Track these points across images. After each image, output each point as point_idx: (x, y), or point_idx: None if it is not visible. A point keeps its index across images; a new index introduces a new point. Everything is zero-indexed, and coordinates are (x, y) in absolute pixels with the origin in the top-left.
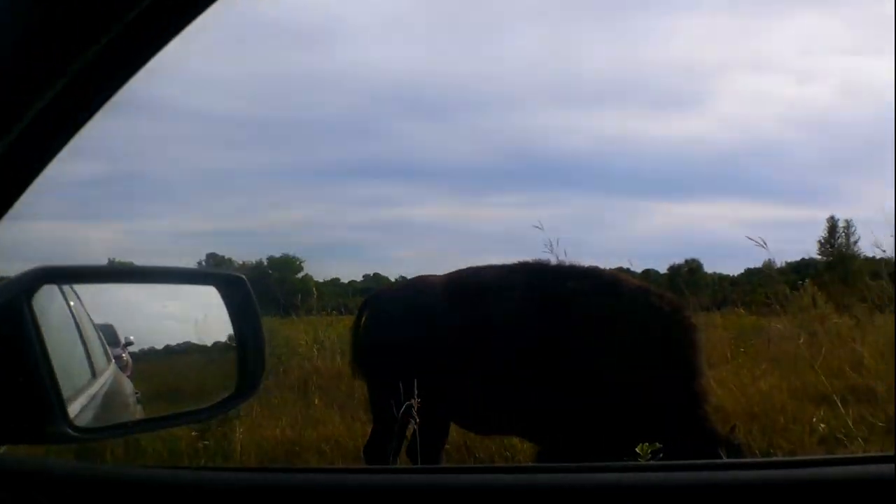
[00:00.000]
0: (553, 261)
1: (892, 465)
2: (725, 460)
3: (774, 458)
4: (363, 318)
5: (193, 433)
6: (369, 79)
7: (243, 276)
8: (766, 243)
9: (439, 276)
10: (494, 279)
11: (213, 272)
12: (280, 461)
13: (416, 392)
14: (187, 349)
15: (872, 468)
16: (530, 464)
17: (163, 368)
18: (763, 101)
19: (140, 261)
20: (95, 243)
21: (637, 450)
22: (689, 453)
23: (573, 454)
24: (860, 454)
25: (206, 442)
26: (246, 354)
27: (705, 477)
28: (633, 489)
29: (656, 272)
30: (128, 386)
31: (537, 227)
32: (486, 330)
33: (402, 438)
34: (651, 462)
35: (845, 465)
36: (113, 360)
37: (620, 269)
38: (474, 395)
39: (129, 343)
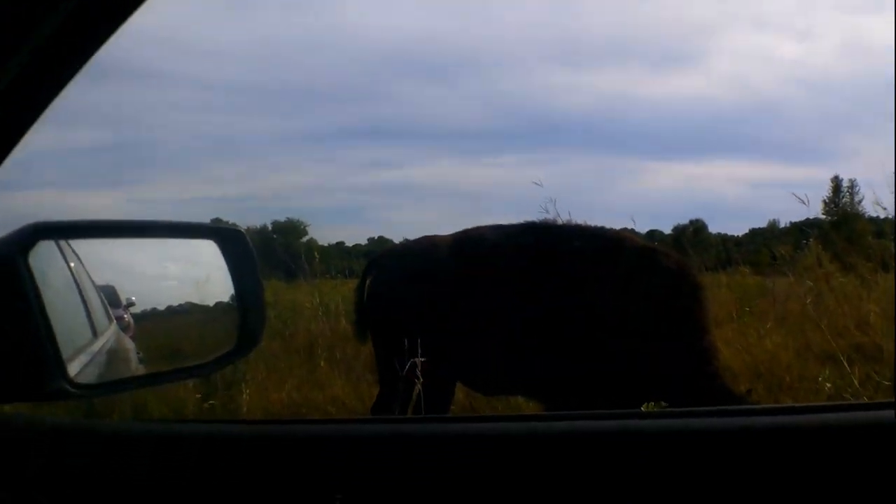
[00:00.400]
0: (558, 221)
1: (893, 411)
2: (729, 407)
3: (778, 405)
4: (368, 280)
5: (198, 395)
6: (369, 41)
7: (242, 230)
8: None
9: (444, 236)
10: (499, 239)
11: (212, 226)
12: None
13: (419, 352)
14: (189, 309)
15: (873, 414)
16: (534, 413)
17: (165, 328)
18: (765, 60)
19: None
20: (97, 211)
21: (642, 408)
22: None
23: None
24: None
25: (211, 402)
26: (246, 309)
27: (708, 423)
28: (639, 435)
29: (661, 232)
30: (129, 346)
31: (536, 183)
32: (490, 290)
33: (409, 399)
34: (655, 410)
35: (848, 411)
36: (114, 320)
37: (625, 230)
38: (479, 356)
39: (131, 304)
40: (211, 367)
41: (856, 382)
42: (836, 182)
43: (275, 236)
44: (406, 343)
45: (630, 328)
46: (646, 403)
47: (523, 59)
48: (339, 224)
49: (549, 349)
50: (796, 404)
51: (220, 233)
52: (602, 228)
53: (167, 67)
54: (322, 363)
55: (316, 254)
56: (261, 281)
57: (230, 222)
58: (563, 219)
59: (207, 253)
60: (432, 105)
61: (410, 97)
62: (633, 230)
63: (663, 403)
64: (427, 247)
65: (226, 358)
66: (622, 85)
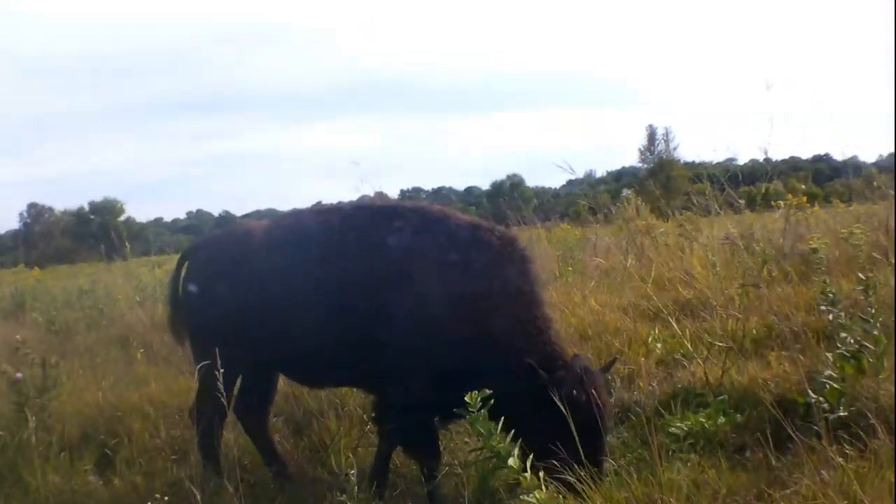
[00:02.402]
0: (377, 199)
1: None
2: None
3: None
4: (181, 273)
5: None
6: (187, 8)
7: None
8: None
9: (260, 223)
10: (318, 224)
11: None
12: (102, 429)
13: (236, 351)
14: None
15: None
16: None
17: None
18: None
19: None
20: None
21: (466, 399)
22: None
23: (410, 402)
24: None
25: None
26: None
27: None
28: None
29: (478, 188)
30: None
31: (354, 162)
32: (309, 278)
33: (230, 396)
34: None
35: None
36: None
37: (442, 187)
38: (301, 349)
39: None
40: None
41: (687, 344)
42: (651, 129)
43: (92, 217)
44: (223, 339)
45: (458, 309)
46: (469, 394)
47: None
48: (158, 199)
49: (374, 338)
50: None
51: None
52: (423, 206)
53: None
54: (139, 356)
55: (126, 239)
56: None
57: (47, 205)
58: (381, 188)
59: None
60: (253, 73)
61: (231, 65)
62: (451, 187)
63: (486, 391)
64: (243, 236)
65: None
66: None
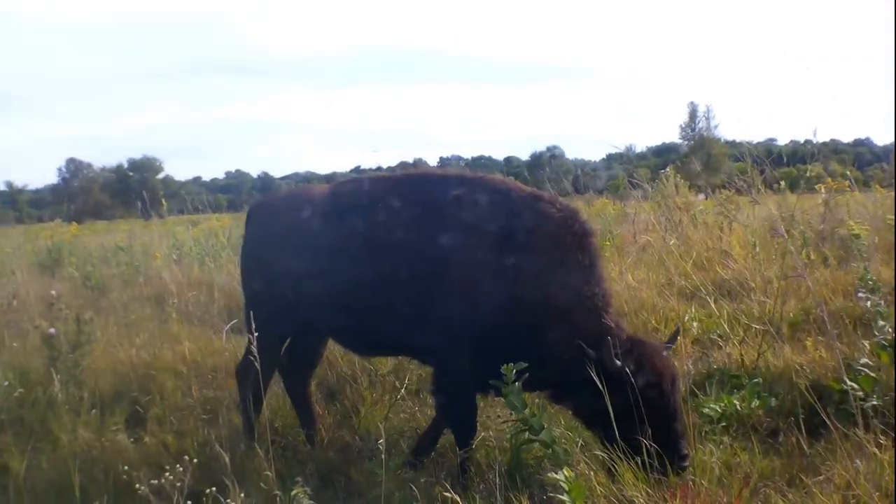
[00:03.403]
0: (437, 169)
1: None
2: None
3: None
4: (247, 229)
5: (43, 358)
6: None
7: None
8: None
9: (321, 187)
10: (378, 191)
11: None
12: (135, 387)
13: (290, 313)
14: None
15: None
16: None
17: None
18: None
19: None
20: None
21: (503, 370)
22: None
23: (459, 375)
24: None
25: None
26: None
27: None
28: None
29: (517, 159)
30: None
31: (375, 151)
32: (368, 245)
33: (278, 357)
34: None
35: None
36: None
37: (482, 156)
38: (356, 315)
39: None
40: None
41: (724, 324)
42: (692, 107)
43: (131, 174)
44: (278, 298)
45: (520, 280)
46: (505, 366)
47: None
48: (197, 159)
49: (433, 307)
50: None
51: None
52: (483, 177)
53: (12, 12)
54: (173, 314)
55: (162, 198)
56: None
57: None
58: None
59: None
60: (284, 40)
61: (262, 32)
62: (490, 157)
63: (523, 364)
64: (306, 197)
65: None
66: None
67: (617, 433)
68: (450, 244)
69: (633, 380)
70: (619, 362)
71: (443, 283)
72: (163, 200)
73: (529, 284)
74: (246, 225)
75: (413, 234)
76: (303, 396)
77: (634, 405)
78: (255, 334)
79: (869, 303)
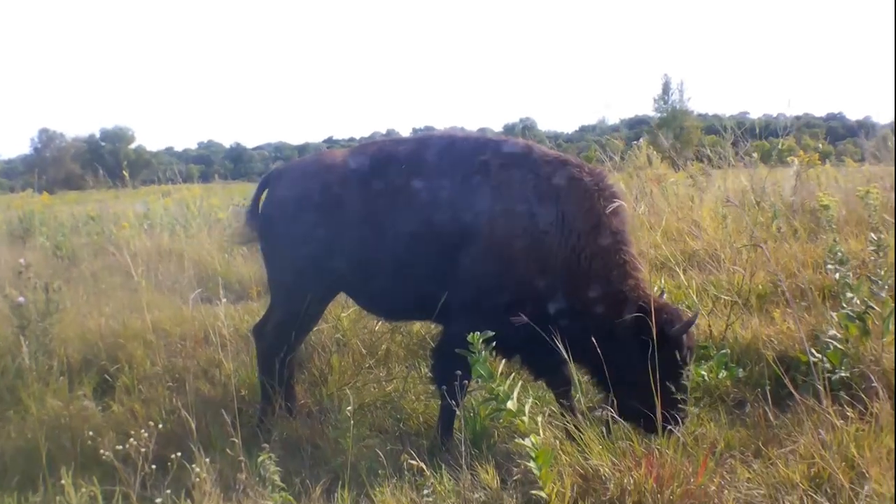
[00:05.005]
0: (459, 132)
1: None
2: None
3: None
4: (264, 194)
5: (13, 327)
6: None
7: None
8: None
9: (341, 151)
10: (403, 154)
11: None
12: (103, 355)
13: (312, 277)
14: None
15: None
16: None
17: None
18: None
19: None
20: None
21: (469, 339)
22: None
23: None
24: None
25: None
26: None
27: None
28: None
29: (490, 130)
30: None
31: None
32: (392, 209)
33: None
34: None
35: None
36: None
37: (453, 127)
38: (382, 279)
39: None
40: None
41: (693, 295)
42: (666, 80)
43: (103, 144)
44: (301, 263)
45: (546, 246)
46: (472, 334)
47: None
48: (171, 129)
49: (454, 272)
50: None
51: None
52: (507, 139)
53: None
54: (143, 283)
55: (136, 166)
56: None
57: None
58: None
59: None
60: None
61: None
62: (462, 128)
63: (488, 332)
64: (328, 162)
65: None
66: None
67: (637, 396)
68: (480, 208)
69: (665, 345)
70: (658, 327)
71: (471, 248)
72: (125, 173)
73: (562, 249)
74: (269, 190)
75: (439, 196)
76: (292, 362)
77: (661, 369)
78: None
79: (837, 275)
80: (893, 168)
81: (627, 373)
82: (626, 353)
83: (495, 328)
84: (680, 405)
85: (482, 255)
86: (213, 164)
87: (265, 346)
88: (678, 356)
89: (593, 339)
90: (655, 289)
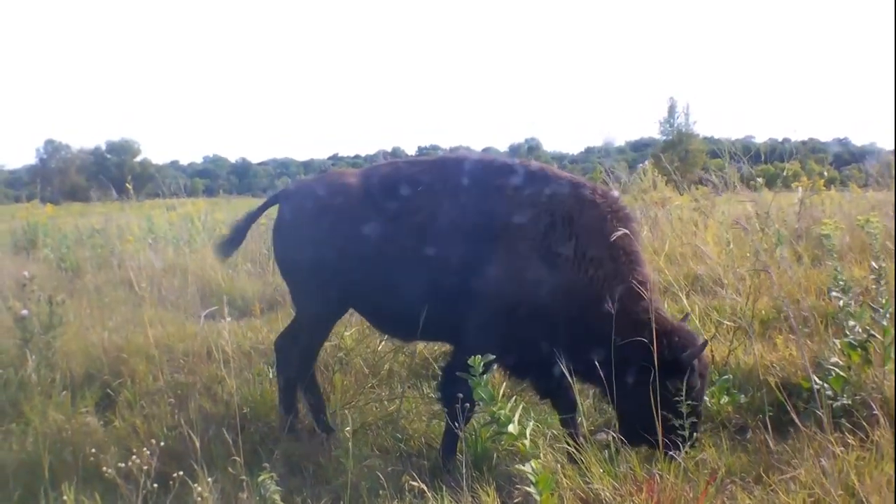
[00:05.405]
0: (472, 154)
1: None
2: None
3: None
4: (262, 211)
5: (16, 340)
6: None
7: None
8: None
9: (353, 171)
10: (416, 175)
11: None
12: (106, 370)
13: (325, 296)
14: None
15: None
16: None
17: None
18: None
19: None
20: None
21: (470, 363)
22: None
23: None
24: None
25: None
26: None
27: None
28: None
29: (496, 150)
30: None
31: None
32: (407, 230)
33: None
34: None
35: None
36: None
37: (459, 147)
38: (395, 301)
39: None
40: None
41: (696, 320)
42: (672, 103)
43: (108, 156)
44: (315, 283)
45: (560, 266)
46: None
47: None
48: (177, 143)
49: (469, 293)
50: None
51: None
52: (520, 162)
53: None
54: (146, 297)
55: (142, 180)
56: None
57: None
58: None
59: None
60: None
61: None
62: (468, 147)
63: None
64: (339, 182)
65: None
66: None
67: (642, 420)
68: (493, 231)
69: (682, 367)
70: (668, 350)
71: (484, 269)
72: (129, 186)
73: (576, 271)
74: (279, 207)
75: (454, 219)
76: (312, 379)
77: (677, 391)
78: (303, 312)
79: (841, 302)
80: (894, 194)
81: (633, 396)
82: (633, 375)
83: (507, 349)
84: (682, 431)
85: (495, 276)
86: (218, 178)
87: (290, 362)
88: (689, 381)
89: (603, 360)
90: (677, 312)
